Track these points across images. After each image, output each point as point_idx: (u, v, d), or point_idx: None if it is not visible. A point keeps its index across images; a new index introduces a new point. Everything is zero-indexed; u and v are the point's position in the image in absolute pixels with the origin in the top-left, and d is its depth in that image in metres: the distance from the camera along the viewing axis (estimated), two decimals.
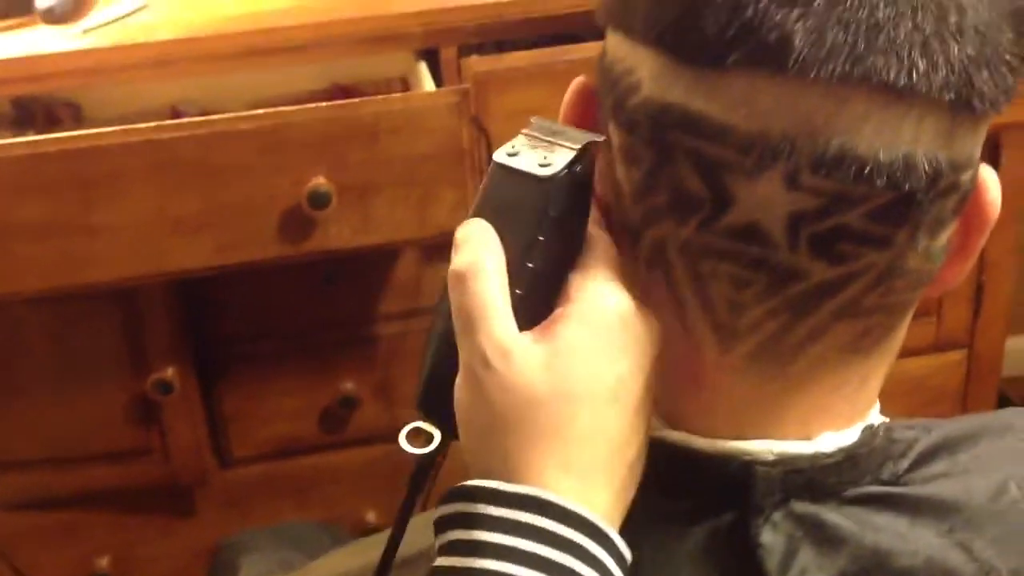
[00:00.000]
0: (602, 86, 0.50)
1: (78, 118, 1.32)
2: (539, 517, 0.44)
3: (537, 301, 0.48)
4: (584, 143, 0.47)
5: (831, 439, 0.50)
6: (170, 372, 1.32)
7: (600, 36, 1.35)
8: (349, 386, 1.43)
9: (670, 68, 0.45)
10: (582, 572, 0.43)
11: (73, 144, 1.10)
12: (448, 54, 1.27)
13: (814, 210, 0.44)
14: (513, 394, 0.45)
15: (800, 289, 0.46)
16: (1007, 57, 0.44)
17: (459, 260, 0.47)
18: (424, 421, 0.50)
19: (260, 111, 1.15)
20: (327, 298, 1.40)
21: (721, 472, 0.49)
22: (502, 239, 0.47)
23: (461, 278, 0.47)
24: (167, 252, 1.16)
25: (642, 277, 0.49)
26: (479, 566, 0.43)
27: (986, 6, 0.43)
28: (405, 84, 1.37)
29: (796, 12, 0.42)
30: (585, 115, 0.51)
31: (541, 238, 0.47)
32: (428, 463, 0.51)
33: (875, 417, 0.52)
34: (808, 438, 0.49)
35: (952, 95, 0.43)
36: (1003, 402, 1.76)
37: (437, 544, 0.46)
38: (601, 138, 0.47)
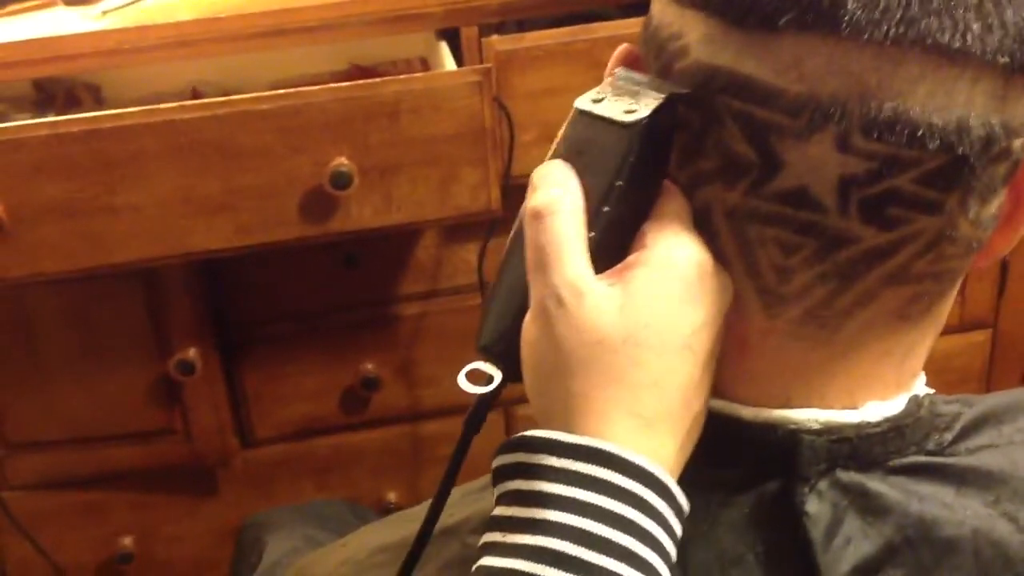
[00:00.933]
0: (648, 52, 0.49)
1: (98, 100, 1.32)
2: (600, 468, 0.43)
3: (612, 246, 0.47)
4: (669, 93, 0.47)
5: (877, 408, 0.49)
6: (192, 352, 1.32)
7: (624, 14, 1.35)
8: (370, 367, 1.43)
9: (719, 31, 0.44)
10: (642, 523, 0.43)
11: (95, 125, 1.10)
12: (469, 33, 1.27)
13: (865, 174, 0.43)
14: (585, 334, 0.45)
15: (849, 254, 0.45)
16: None
17: (537, 198, 0.47)
18: (485, 362, 0.49)
19: (281, 91, 1.15)
20: (348, 279, 1.40)
21: (766, 441, 0.49)
22: (580, 182, 0.47)
23: (539, 215, 0.46)
24: (189, 233, 1.16)
25: None
26: (539, 516, 0.43)
27: None
28: (425, 64, 1.37)
29: None
30: None
31: (620, 183, 0.47)
32: (487, 404, 0.50)
33: (920, 388, 0.52)
34: (854, 407, 0.49)
35: (1007, 58, 0.42)
36: None
37: (496, 493, 0.46)
38: (686, 91, 0.47)
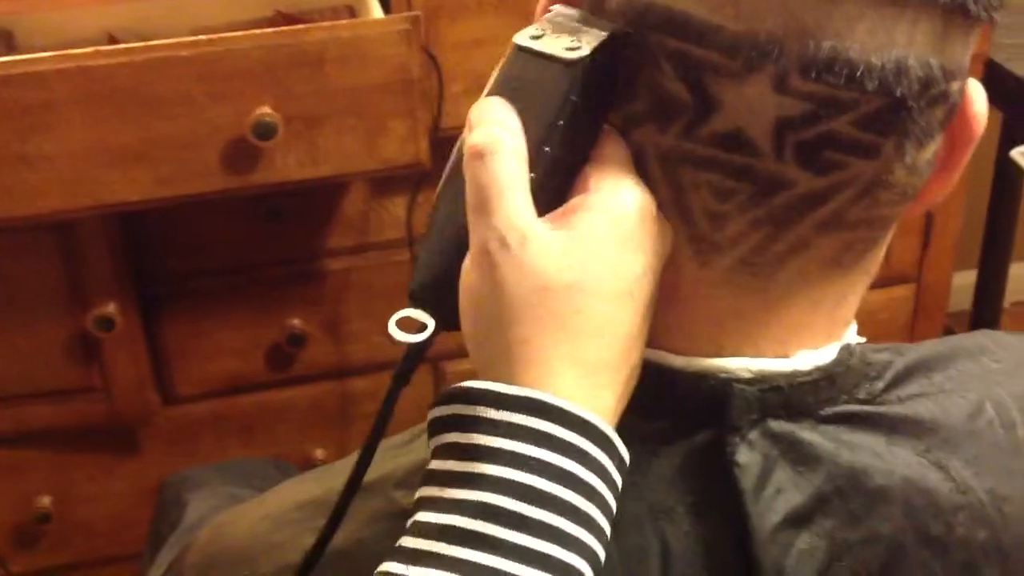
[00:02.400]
0: None
1: (10, 46, 1.27)
2: (540, 420, 0.42)
3: (552, 188, 0.46)
4: (612, 30, 0.45)
5: (808, 357, 0.49)
6: (111, 308, 1.29)
7: None
8: (296, 322, 1.41)
9: None
10: (583, 476, 0.42)
11: (4, 71, 1.06)
12: None
13: (802, 116, 0.42)
14: (529, 279, 0.43)
15: (784, 200, 0.44)
16: None
17: (477, 136, 0.45)
18: (417, 309, 0.48)
19: (202, 37, 1.11)
20: (273, 233, 1.37)
21: (697, 390, 0.48)
22: (520, 121, 0.45)
23: (479, 154, 0.44)
24: (105, 184, 1.12)
25: None
26: (478, 470, 0.42)
27: None
28: (352, 12, 1.33)
29: None
30: None
31: (561, 123, 0.45)
32: (418, 353, 0.48)
33: (852, 337, 0.51)
34: (786, 356, 0.48)
35: None
36: (949, 335, 1.78)
37: (431, 446, 0.44)
38: (631, 29, 0.45)
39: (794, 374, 0.48)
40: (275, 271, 1.39)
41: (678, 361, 0.48)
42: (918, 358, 0.52)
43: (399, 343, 0.47)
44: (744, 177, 0.44)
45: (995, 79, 1.50)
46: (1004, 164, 1.62)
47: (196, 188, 1.15)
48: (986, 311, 1.87)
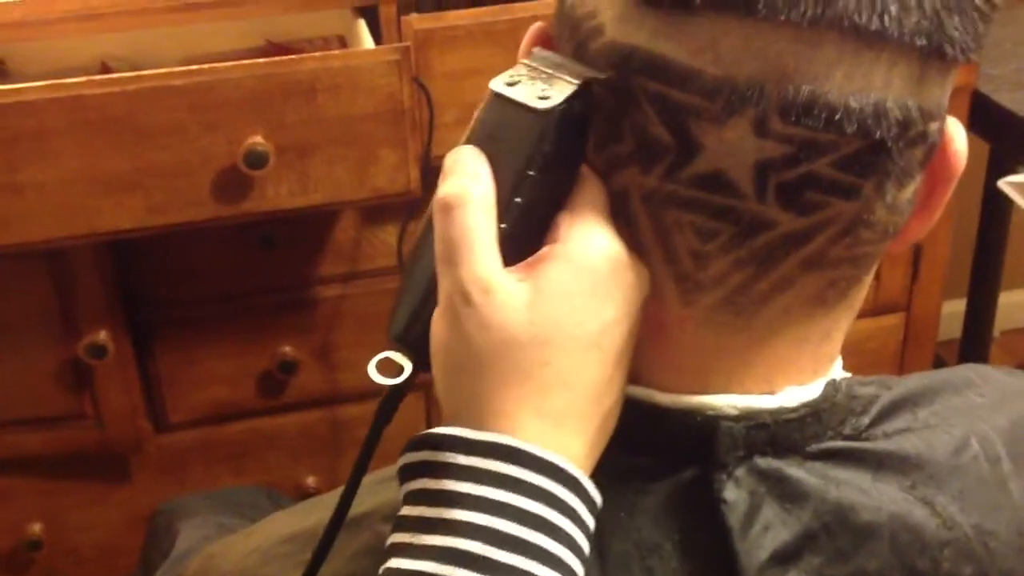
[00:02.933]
0: (562, 31, 0.48)
1: (3, 73, 1.28)
2: (508, 465, 0.43)
3: (523, 238, 0.46)
4: (585, 78, 0.46)
5: (794, 393, 0.49)
6: (103, 335, 1.29)
7: None
8: (287, 350, 1.41)
9: (634, 10, 0.44)
10: (554, 520, 0.43)
11: None
12: (388, 12, 1.25)
13: (782, 158, 0.43)
14: (491, 332, 0.44)
15: (766, 240, 0.45)
16: (977, 3, 0.43)
17: (447, 187, 0.45)
18: (396, 351, 0.48)
19: (194, 67, 1.12)
20: (265, 261, 1.37)
21: (684, 427, 0.48)
22: (492, 170, 0.46)
23: (447, 206, 0.45)
24: (97, 212, 1.12)
25: None
26: (447, 516, 0.42)
27: None
28: (343, 42, 1.35)
29: None
30: None
31: (532, 173, 0.45)
32: (397, 394, 0.49)
33: (837, 372, 0.51)
34: (771, 392, 0.49)
35: (924, 40, 0.42)
36: (939, 365, 1.79)
37: (402, 492, 0.45)
38: (604, 75, 0.45)
39: (780, 411, 0.48)
40: (267, 299, 1.40)
41: (664, 399, 0.48)
42: (903, 393, 0.53)
43: (379, 384, 0.48)
44: (726, 218, 0.44)
45: (981, 110, 1.51)
46: (992, 194, 1.63)
47: (188, 216, 1.15)
48: (976, 340, 1.87)
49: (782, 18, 0.41)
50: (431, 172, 1.24)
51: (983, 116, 1.51)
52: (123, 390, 1.35)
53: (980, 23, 0.44)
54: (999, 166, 1.64)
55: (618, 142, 0.45)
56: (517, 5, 1.24)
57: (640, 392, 0.49)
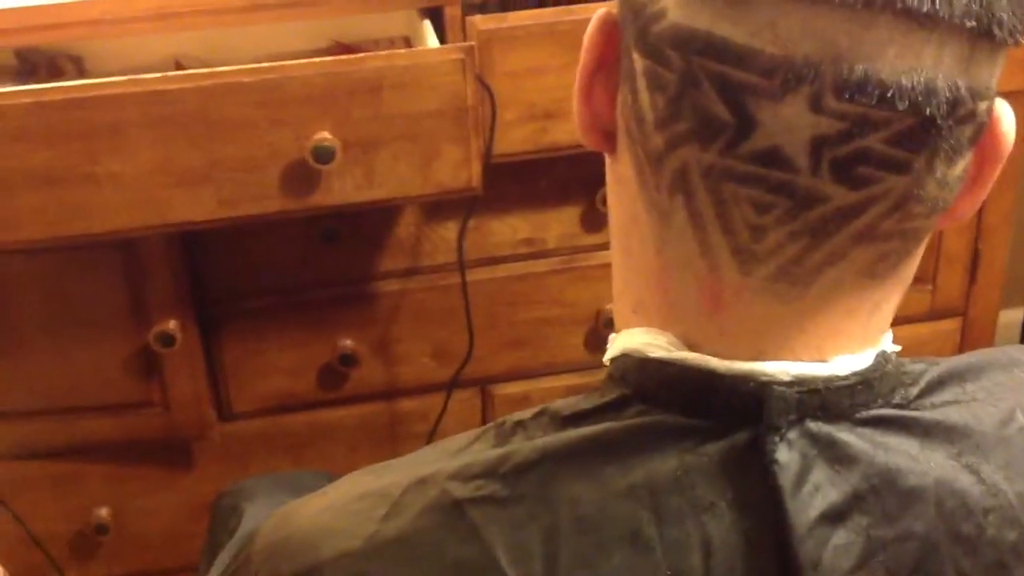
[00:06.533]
0: (625, 15, 0.50)
1: (81, 70, 1.32)
2: None
3: None
4: None
5: (845, 362, 0.51)
6: (172, 324, 1.33)
7: None
8: (348, 343, 1.44)
9: None
10: None
11: (77, 93, 1.10)
12: (452, 13, 1.27)
13: (836, 134, 0.45)
14: None
15: (820, 213, 0.47)
16: None
17: None
18: None
19: (263, 64, 1.15)
20: (328, 254, 1.40)
21: (738, 392, 0.50)
22: None
23: None
24: (169, 204, 1.16)
25: (664, 203, 0.50)
26: None
27: None
28: (408, 43, 1.37)
29: None
30: (608, 46, 0.52)
31: None
32: None
33: (887, 344, 0.53)
34: (823, 360, 0.50)
35: (973, 22, 0.44)
36: None
37: None
38: None
39: (831, 378, 0.50)
40: (328, 292, 1.43)
41: (720, 365, 0.50)
42: (951, 368, 0.54)
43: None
44: (782, 192, 0.46)
45: None
46: None
47: (256, 209, 1.19)
48: None
49: (837, 0, 0.43)
50: (492, 169, 1.27)
51: None
52: (190, 378, 1.39)
53: None
54: None
55: (679, 120, 0.47)
56: (578, 6, 1.26)
57: (697, 359, 0.51)
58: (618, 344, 0.55)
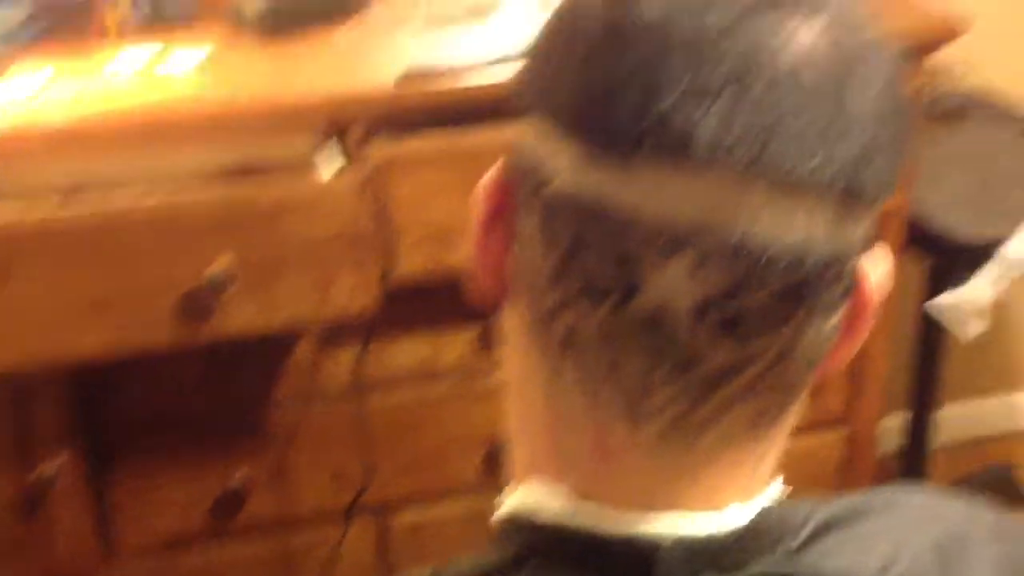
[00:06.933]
0: (520, 171, 0.51)
1: None
2: None
3: None
4: None
5: (732, 514, 0.52)
6: (58, 460, 1.27)
7: (496, 120, 1.38)
8: (242, 473, 1.40)
9: (586, 156, 0.47)
10: None
11: None
12: (353, 136, 1.28)
13: (718, 295, 0.46)
14: None
15: (704, 372, 0.48)
16: (890, 152, 0.48)
17: None
18: None
19: (159, 194, 1.14)
20: (221, 382, 1.37)
21: (628, 552, 0.50)
22: None
23: None
24: (61, 338, 1.12)
25: (555, 359, 0.51)
26: None
27: (874, 102, 0.47)
28: (307, 166, 1.37)
29: (705, 104, 0.44)
30: (503, 199, 0.53)
31: None
32: None
33: (774, 491, 0.54)
34: (717, 509, 0.51)
35: (842, 187, 0.46)
36: (880, 479, 1.82)
37: None
38: None
39: (721, 532, 0.51)
40: (224, 420, 1.39)
41: (609, 528, 0.51)
42: (833, 514, 0.56)
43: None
44: (667, 352, 0.48)
45: (916, 230, 1.57)
46: (928, 312, 1.69)
47: (151, 342, 1.16)
48: (916, 454, 1.92)
49: (716, 166, 0.45)
50: (392, 294, 1.26)
51: (918, 236, 1.58)
52: (75, 515, 1.32)
53: (893, 170, 0.49)
54: (937, 283, 1.69)
55: (569, 280, 0.48)
56: (478, 130, 1.28)
57: (588, 519, 0.51)
58: (513, 500, 0.55)
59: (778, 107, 0.45)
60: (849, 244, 0.48)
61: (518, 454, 0.57)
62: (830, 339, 0.50)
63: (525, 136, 0.51)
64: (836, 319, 0.50)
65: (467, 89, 1.30)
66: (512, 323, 0.54)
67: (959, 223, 1.58)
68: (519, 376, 0.55)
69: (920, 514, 0.59)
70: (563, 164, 0.48)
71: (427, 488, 1.49)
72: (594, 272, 0.47)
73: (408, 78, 1.30)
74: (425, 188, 1.26)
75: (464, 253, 1.29)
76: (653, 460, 0.50)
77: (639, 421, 0.50)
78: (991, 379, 2.31)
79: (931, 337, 1.83)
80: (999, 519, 0.62)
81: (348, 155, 1.28)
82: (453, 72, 1.31)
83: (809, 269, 0.47)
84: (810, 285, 0.47)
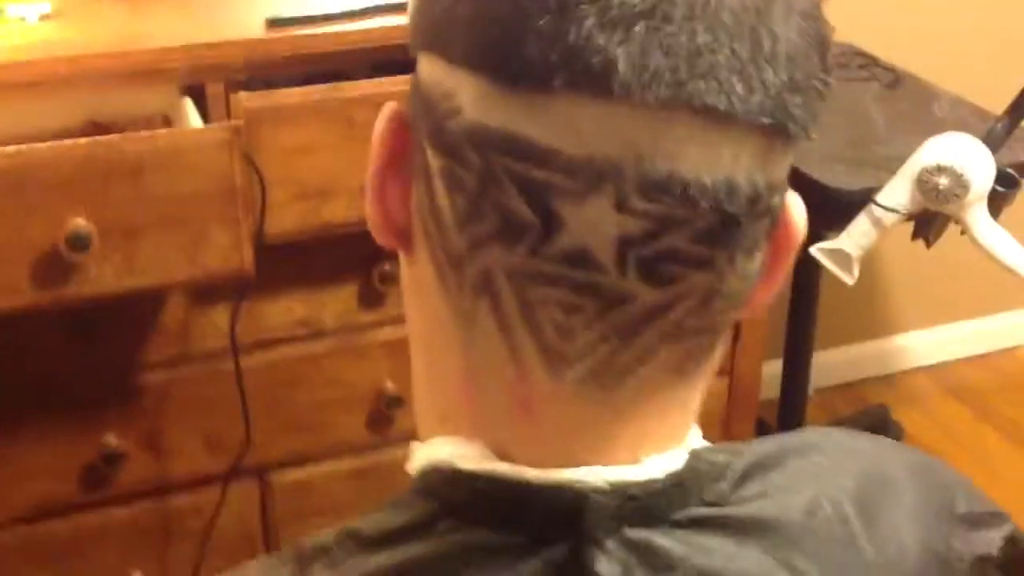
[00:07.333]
0: (417, 111, 0.48)
1: None
2: None
3: None
4: None
5: (659, 463, 0.50)
6: None
7: (368, 74, 1.35)
8: (112, 440, 1.35)
9: (492, 91, 0.44)
10: None
11: None
12: (215, 90, 1.23)
13: (641, 233, 0.44)
14: None
15: (628, 313, 0.46)
16: (815, 83, 0.46)
17: None
18: None
19: (11, 148, 1.07)
20: (85, 346, 1.31)
21: (554, 503, 0.48)
22: None
23: None
24: None
25: (467, 306, 0.48)
26: None
27: (796, 33, 0.45)
28: (168, 121, 1.31)
29: (618, 36, 0.42)
30: (398, 141, 0.50)
31: None
32: None
33: (696, 440, 0.53)
34: (637, 462, 0.49)
35: (768, 119, 0.44)
36: (760, 426, 1.85)
37: None
38: None
39: (647, 482, 0.49)
40: (89, 386, 1.33)
41: (532, 474, 0.48)
42: (754, 458, 0.54)
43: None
44: (589, 293, 0.45)
45: (792, 180, 1.59)
46: (803, 258, 1.72)
47: (6, 303, 1.10)
48: (793, 399, 1.96)
49: (636, 99, 0.42)
50: (264, 251, 1.22)
51: (793, 186, 1.59)
52: None
53: (818, 100, 0.46)
54: (810, 233, 1.72)
55: (480, 221, 0.45)
56: (347, 84, 1.24)
57: (507, 469, 0.48)
58: (423, 454, 0.52)
59: (697, 37, 0.42)
60: (775, 180, 0.46)
61: (424, 409, 0.54)
62: (754, 278, 0.48)
63: (420, 76, 0.48)
64: (760, 258, 0.48)
65: (335, 35, 1.26)
66: (416, 270, 0.51)
67: (835, 175, 1.60)
68: (424, 327, 0.52)
69: (838, 455, 0.58)
70: (466, 100, 0.45)
71: (309, 447, 1.46)
72: (509, 210, 0.44)
73: (272, 27, 1.25)
74: (296, 142, 1.22)
75: (341, 209, 1.26)
76: (575, 410, 0.48)
77: (560, 367, 0.47)
78: (864, 325, 2.37)
79: (807, 285, 1.86)
80: (915, 456, 0.61)
81: (212, 109, 1.23)
82: (317, 21, 1.27)
83: (736, 206, 0.44)
84: (737, 222, 0.45)
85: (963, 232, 1.49)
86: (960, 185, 1.40)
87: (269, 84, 1.30)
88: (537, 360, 0.47)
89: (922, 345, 2.41)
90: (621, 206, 0.43)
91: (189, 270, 1.16)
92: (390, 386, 1.46)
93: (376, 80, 1.25)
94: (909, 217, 1.51)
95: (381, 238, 0.52)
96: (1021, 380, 2.40)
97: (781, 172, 0.47)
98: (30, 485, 1.34)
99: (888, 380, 2.39)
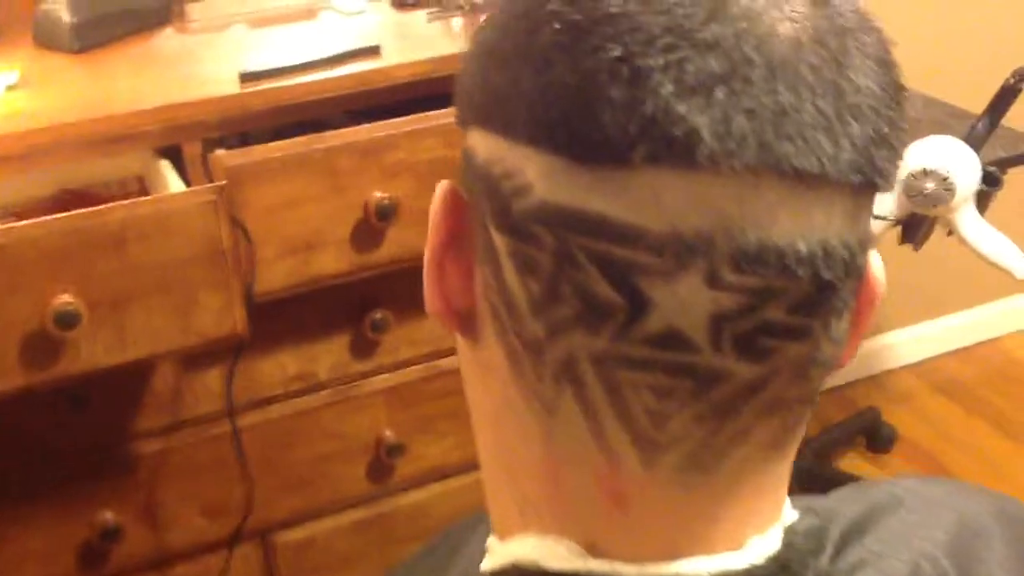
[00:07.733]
0: (476, 190, 0.45)
1: None
2: None
3: None
4: None
5: (759, 546, 0.47)
6: None
7: (352, 121, 1.31)
8: (108, 515, 1.31)
9: (563, 168, 0.41)
10: None
11: None
12: (192, 150, 1.20)
13: (736, 308, 0.41)
14: None
15: (724, 392, 0.43)
16: (898, 130, 0.44)
17: None
18: None
19: None
20: (76, 421, 1.27)
21: None
22: None
23: None
24: None
25: (548, 393, 0.45)
26: None
27: (874, 81, 0.43)
28: (142, 183, 1.28)
29: (699, 103, 0.39)
30: (456, 220, 0.47)
31: None
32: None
33: (789, 515, 0.50)
34: (739, 547, 0.47)
35: (858, 176, 0.42)
36: None
37: None
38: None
39: (751, 569, 0.46)
40: (80, 462, 1.29)
41: (629, 571, 0.45)
42: (847, 525, 0.52)
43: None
44: (683, 374, 0.43)
45: None
46: None
47: None
48: None
49: (722, 168, 0.40)
50: (255, 310, 1.19)
51: None
52: None
53: (900, 148, 0.44)
54: None
55: (559, 305, 0.43)
56: (328, 133, 1.21)
57: (601, 566, 0.46)
58: (504, 552, 0.49)
59: (780, 97, 0.40)
60: (864, 237, 0.44)
61: (498, 499, 0.51)
62: (845, 339, 0.46)
63: (475, 152, 0.46)
64: (848, 317, 0.46)
65: (309, 85, 1.23)
66: (482, 355, 0.48)
67: None
68: (492, 413, 0.49)
69: (924, 508, 0.56)
70: (534, 178, 0.42)
71: (310, 504, 1.43)
72: (591, 293, 0.42)
73: (246, 82, 1.22)
74: (280, 197, 1.19)
75: (331, 261, 1.23)
76: (672, 499, 0.45)
77: (653, 454, 0.44)
78: None
79: None
80: (996, 499, 0.60)
81: (191, 168, 1.19)
82: (289, 72, 1.24)
83: (833, 271, 0.42)
84: (833, 288, 0.43)
85: (950, 233, 1.49)
86: (946, 188, 1.40)
87: (244, 138, 1.27)
88: (629, 449, 0.44)
89: (906, 343, 2.42)
90: (713, 281, 0.41)
91: (181, 338, 1.13)
92: (389, 434, 1.43)
93: (356, 128, 1.22)
94: (896, 223, 1.50)
95: (440, 320, 0.49)
96: (1006, 370, 2.41)
97: (867, 227, 0.45)
98: (24, 569, 1.29)
99: (875, 380, 2.39)
